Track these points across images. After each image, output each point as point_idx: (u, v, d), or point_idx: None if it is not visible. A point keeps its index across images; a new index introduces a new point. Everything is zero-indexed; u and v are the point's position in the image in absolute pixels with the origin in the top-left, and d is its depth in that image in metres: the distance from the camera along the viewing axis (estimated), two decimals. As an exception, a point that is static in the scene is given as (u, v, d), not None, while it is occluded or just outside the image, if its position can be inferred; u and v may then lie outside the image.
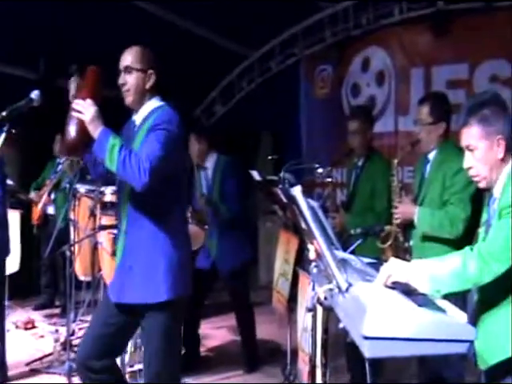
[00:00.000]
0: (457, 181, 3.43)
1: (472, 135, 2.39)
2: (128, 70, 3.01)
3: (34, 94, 3.01)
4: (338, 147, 7.04)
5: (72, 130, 2.87)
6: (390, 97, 7.27)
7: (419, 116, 3.69)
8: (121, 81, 3.03)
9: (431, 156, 3.66)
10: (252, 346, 5.18)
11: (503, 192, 2.33)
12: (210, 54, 8.07)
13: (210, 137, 5.19)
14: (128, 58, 3.04)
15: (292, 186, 2.63)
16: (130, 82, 3.01)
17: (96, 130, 2.81)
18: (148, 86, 3.05)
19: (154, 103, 3.07)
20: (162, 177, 2.83)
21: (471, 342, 1.99)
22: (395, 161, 3.80)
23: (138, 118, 3.09)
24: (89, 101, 2.85)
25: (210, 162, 5.13)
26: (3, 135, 2.88)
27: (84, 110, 2.82)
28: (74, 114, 2.84)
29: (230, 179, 5.06)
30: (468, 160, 2.44)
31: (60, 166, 6.58)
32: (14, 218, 6.33)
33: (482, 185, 2.46)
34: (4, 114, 2.87)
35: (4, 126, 2.89)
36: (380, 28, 7.31)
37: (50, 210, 6.95)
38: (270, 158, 6.91)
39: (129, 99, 3.05)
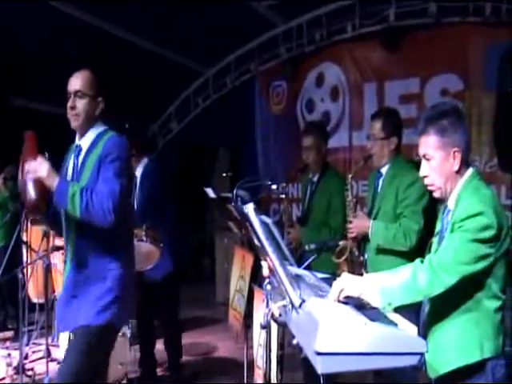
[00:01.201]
0: (409, 194, 3.50)
1: (429, 144, 2.40)
2: (79, 94, 3.01)
3: None
4: (294, 162, 7.07)
5: (31, 191, 2.86)
6: (345, 112, 7.34)
7: (372, 131, 3.75)
8: (70, 104, 3.02)
9: (384, 170, 3.72)
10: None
11: (457, 205, 2.36)
12: (166, 70, 8.06)
13: (138, 143, 5.03)
14: (79, 82, 3.03)
15: (245, 203, 2.62)
16: (79, 107, 3.02)
17: (54, 183, 2.82)
18: (97, 112, 3.07)
19: (98, 128, 3.09)
20: (123, 210, 2.86)
21: (422, 354, 2.00)
22: (349, 175, 3.85)
23: (83, 142, 3.08)
24: (39, 158, 2.87)
25: (139, 170, 4.98)
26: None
27: (38, 168, 2.83)
28: (30, 175, 2.84)
29: (145, 184, 4.90)
30: (424, 169, 2.45)
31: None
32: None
33: (436, 194, 2.48)
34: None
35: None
36: (333, 44, 7.40)
37: None
38: (224, 174, 6.90)
39: (76, 124, 3.05)
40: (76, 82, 3.03)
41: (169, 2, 6.26)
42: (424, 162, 2.46)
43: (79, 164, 3.03)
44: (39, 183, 2.85)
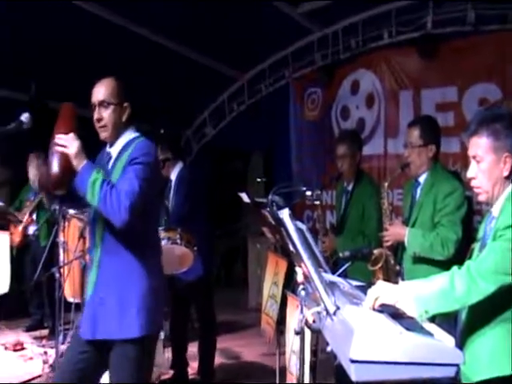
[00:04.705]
0: (448, 203, 3.47)
1: (480, 146, 2.36)
2: (104, 104, 2.94)
3: (24, 117, 2.96)
4: (328, 169, 7.09)
5: (55, 166, 2.82)
6: (380, 119, 7.30)
7: (409, 139, 3.71)
8: (96, 116, 2.95)
9: (422, 179, 3.69)
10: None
11: (501, 213, 2.33)
12: (202, 76, 8.14)
13: (174, 147, 5.07)
14: (102, 92, 2.96)
15: (280, 208, 2.63)
16: (106, 117, 2.95)
17: (80, 164, 2.79)
18: (124, 119, 3.00)
19: (128, 135, 3.03)
20: (140, 212, 2.80)
21: (458, 365, 1.99)
22: (385, 184, 3.82)
23: (113, 150, 3.03)
24: (71, 134, 2.82)
25: (175, 174, 5.02)
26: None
27: (68, 144, 2.79)
28: (57, 148, 2.81)
29: (180, 188, 4.94)
30: (472, 170, 2.41)
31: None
32: (3, 239, 6.31)
33: (482, 198, 2.43)
34: (-6, 136, 2.85)
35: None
36: (369, 51, 7.38)
37: (30, 231, 6.92)
38: (259, 180, 6.92)
39: (105, 134, 2.99)
40: (99, 93, 2.96)
41: (205, 8, 6.34)
42: (473, 164, 2.41)
43: (108, 171, 2.96)
44: (65, 159, 2.79)
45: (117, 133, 3.00)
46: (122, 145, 3.00)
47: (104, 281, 2.94)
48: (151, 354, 3.07)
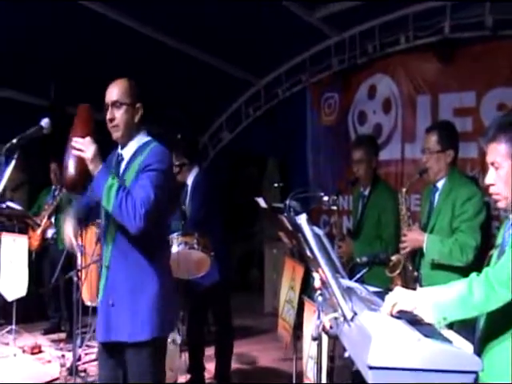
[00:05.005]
0: (466, 209, 3.45)
1: (499, 152, 2.32)
2: (116, 104, 2.97)
3: (44, 122, 2.99)
4: (345, 174, 7.07)
5: (72, 168, 2.88)
6: (397, 124, 7.27)
7: (427, 144, 3.69)
8: (109, 116, 2.99)
9: (440, 184, 3.67)
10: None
11: None
12: (218, 80, 8.17)
13: (190, 152, 5.08)
14: (116, 92, 2.99)
15: (297, 213, 2.63)
16: (118, 117, 2.98)
17: (96, 168, 2.82)
18: (136, 119, 3.02)
19: (141, 138, 3.05)
20: (155, 219, 2.84)
21: (477, 372, 1.98)
22: (403, 190, 3.81)
23: (125, 152, 3.05)
24: (88, 138, 2.85)
25: (191, 178, 5.03)
26: (13, 162, 2.90)
27: (85, 147, 2.83)
28: (74, 152, 2.85)
29: (197, 193, 4.94)
30: (491, 176, 2.37)
31: (57, 192, 6.68)
32: (21, 242, 6.37)
33: (501, 204, 2.39)
34: (14, 141, 2.87)
35: (14, 153, 2.90)
36: (386, 56, 7.37)
37: (49, 234, 6.98)
38: (275, 185, 6.93)
39: (118, 134, 3.02)
40: (112, 93, 2.99)
41: (223, 13, 6.36)
42: (491, 170, 2.37)
43: (120, 174, 3.00)
44: (81, 162, 2.83)
45: (129, 133, 3.03)
46: (135, 148, 3.03)
47: (114, 284, 2.98)
48: (163, 355, 3.10)
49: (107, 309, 2.99)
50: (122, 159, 3.05)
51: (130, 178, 2.93)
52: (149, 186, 2.81)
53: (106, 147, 3.05)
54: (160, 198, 2.83)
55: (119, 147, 3.09)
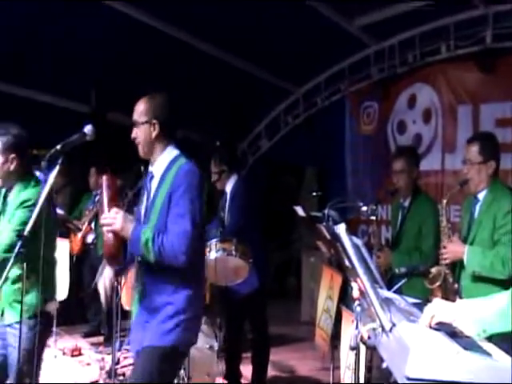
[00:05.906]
0: (508, 221, 3.40)
1: None
2: (135, 124, 3.08)
3: (88, 129, 3.03)
4: (383, 184, 7.03)
5: (109, 242, 2.95)
6: (437, 134, 7.21)
7: (468, 155, 3.65)
8: (133, 135, 3.11)
9: (481, 196, 3.63)
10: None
11: None
12: (257, 88, 8.22)
13: (229, 160, 5.11)
14: (135, 111, 3.11)
15: (336, 223, 2.65)
16: (139, 135, 3.08)
17: (128, 233, 2.90)
18: (154, 135, 3.07)
19: (169, 154, 3.10)
20: (197, 246, 2.92)
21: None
22: (444, 201, 3.78)
23: (155, 170, 3.11)
24: (113, 211, 2.93)
25: (229, 186, 5.06)
26: (57, 167, 2.97)
27: (112, 221, 2.91)
28: (105, 229, 2.94)
29: (235, 200, 4.98)
30: None
31: (97, 197, 6.79)
32: (63, 246, 6.49)
33: None
34: (58, 147, 2.95)
35: (58, 159, 2.97)
36: (426, 65, 7.32)
37: (89, 239, 7.10)
38: (313, 194, 6.93)
39: (140, 151, 3.12)
40: (133, 113, 3.11)
41: (264, 22, 6.42)
42: None
43: (152, 192, 3.06)
44: (116, 235, 2.93)
45: (149, 149, 3.09)
46: (165, 165, 3.07)
47: (148, 304, 3.01)
48: (169, 367, 3.06)
49: (142, 326, 3.04)
50: (153, 177, 3.11)
51: (162, 196, 2.98)
52: (184, 215, 2.88)
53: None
54: (196, 224, 2.89)
55: (150, 164, 3.17)
